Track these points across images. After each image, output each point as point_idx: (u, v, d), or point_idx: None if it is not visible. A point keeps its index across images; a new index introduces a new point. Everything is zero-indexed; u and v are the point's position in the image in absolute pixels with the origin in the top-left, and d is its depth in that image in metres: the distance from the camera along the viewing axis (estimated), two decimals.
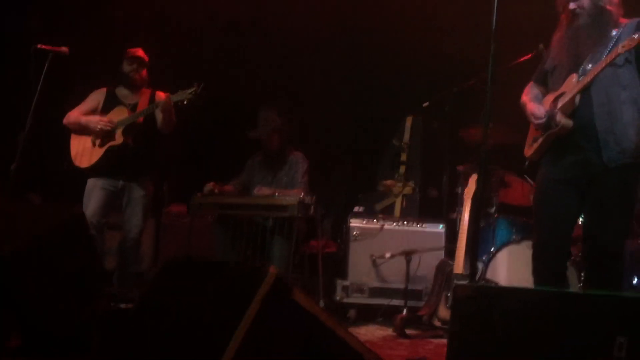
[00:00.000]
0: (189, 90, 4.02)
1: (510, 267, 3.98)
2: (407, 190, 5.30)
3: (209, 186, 4.49)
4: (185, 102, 4.04)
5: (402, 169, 5.43)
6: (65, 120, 4.33)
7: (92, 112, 4.32)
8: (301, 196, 4.17)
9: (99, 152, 4.20)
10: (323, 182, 5.79)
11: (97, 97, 4.37)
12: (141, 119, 4.23)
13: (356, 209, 4.83)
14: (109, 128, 4.18)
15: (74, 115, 4.31)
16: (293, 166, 4.64)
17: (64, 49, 3.97)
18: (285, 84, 5.89)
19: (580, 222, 3.21)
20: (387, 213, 5.15)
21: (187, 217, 5.45)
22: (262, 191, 4.42)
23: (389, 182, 5.35)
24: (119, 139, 4.18)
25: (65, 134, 4.34)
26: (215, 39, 5.88)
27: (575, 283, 3.71)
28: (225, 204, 4.39)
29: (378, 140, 5.89)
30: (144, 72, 4.34)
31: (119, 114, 4.24)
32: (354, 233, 4.59)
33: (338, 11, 5.54)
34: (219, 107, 5.94)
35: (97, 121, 4.21)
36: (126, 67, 4.30)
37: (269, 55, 5.90)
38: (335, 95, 6.02)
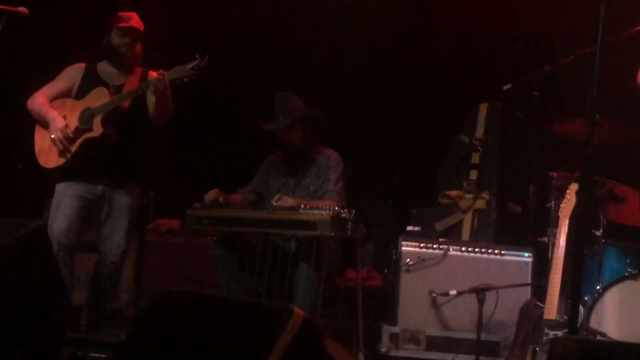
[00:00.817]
0: (190, 65, 4.05)
1: (624, 312, 3.94)
2: (480, 204, 5.24)
3: (211, 195, 4.50)
4: (185, 80, 4.07)
5: (473, 174, 5.36)
6: (29, 104, 4.39)
7: (65, 94, 4.38)
8: (335, 209, 4.14)
9: (72, 147, 4.25)
10: (363, 192, 5.83)
11: (72, 75, 4.42)
12: (127, 103, 4.26)
13: (409, 228, 4.93)
14: (62, 144, 4.21)
15: (40, 100, 4.36)
16: (323, 169, 4.66)
17: (22, 9, 4.00)
18: (311, 67, 5.99)
19: None
20: (451, 235, 5.13)
21: (180, 236, 5.52)
22: (282, 202, 4.42)
23: (454, 192, 5.30)
24: (97, 129, 4.21)
25: (28, 121, 4.39)
26: (230, 6, 5.97)
27: None
28: (232, 219, 4.39)
29: (438, 136, 5.91)
30: (139, 47, 4.39)
31: (98, 98, 4.28)
32: (407, 261, 4.57)
33: None
34: (226, 92, 6.05)
35: (56, 126, 4.24)
36: (116, 40, 4.35)
37: (292, 29, 5.99)
38: (376, 77, 6.09)
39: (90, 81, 4.35)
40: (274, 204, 4.42)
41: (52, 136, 4.26)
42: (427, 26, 6.04)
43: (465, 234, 5.18)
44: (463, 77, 5.87)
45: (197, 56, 4.04)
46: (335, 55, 6.12)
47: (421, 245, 4.60)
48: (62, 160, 4.26)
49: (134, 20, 4.36)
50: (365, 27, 6.04)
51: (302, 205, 4.30)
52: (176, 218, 5.56)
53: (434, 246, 4.59)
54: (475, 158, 5.41)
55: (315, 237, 4.16)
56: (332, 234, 4.10)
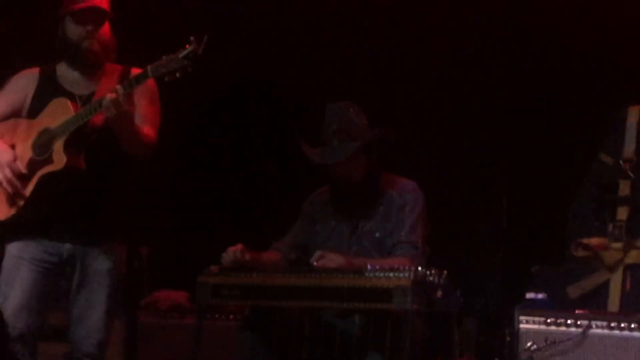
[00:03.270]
0: (182, 53, 4.05)
1: None
2: (634, 256, 5.14)
3: (232, 253, 4.54)
4: (178, 75, 4.07)
5: (622, 213, 5.25)
6: None
7: (15, 113, 4.45)
8: (417, 270, 4.14)
9: (24, 190, 4.28)
10: (456, 242, 5.90)
11: (22, 86, 4.50)
12: (98, 119, 4.27)
13: (529, 296, 4.83)
14: (11, 186, 4.25)
15: None
16: (395, 207, 4.71)
17: None
18: (377, 70, 6.28)
19: None
20: (593, 304, 5.04)
21: (189, 315, 5.56)
22: (325, 261, 4.46)
23: (594, 241, 5.23)
24: (58, 160, 4.24)
25: None
26: None
27: None
28: (264, 288, 4.42)
29: (567, 157, 6.00)
30: (105, 35, 4.43)
31: (58, 114, 4.31)
32: (528, 345, 4.50)
33: None
34: (251, 102, 6.16)
35: (0, 160, 4.28)
36: (71, 31, 4.40)
37: (349, 21, 6.24)
38: (467, 77, 6.31)
39: (47, 91, 4.41)
40: (314, 264, 4.45)
41: None
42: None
43: (614, 302, 5.09)
44: (600, 70, 5.99)
45: (191, 39, 4.04)
46: (410, 55, 6.37)
47: (548, 320, 4.53)
48: (12, 211, 4.29)
49: None
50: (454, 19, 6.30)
51: (369, 266, 4.26)
52: (182, 288, 5.61)
53: (568, 321, 4.52)
54: (625, 188, 5.31)
55: (391, 313, 4.17)
56: (415, 306, 4.09)
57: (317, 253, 4.52)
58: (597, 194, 5.45)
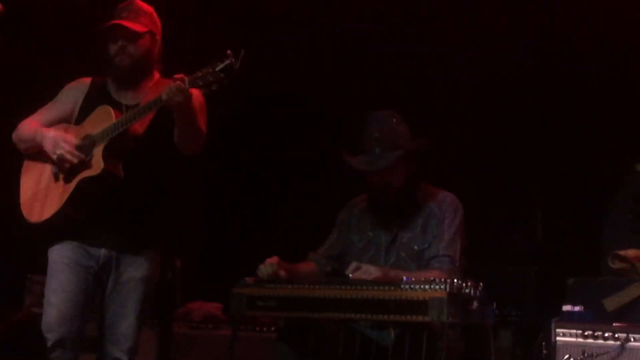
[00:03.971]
0: (219, 66, 4.08)
1: None
2: None
3: (268, 265, 4.53)
4: (214, 88, 4.11)
5: None
6: (15, 134, 4.53)
7: (65, 120, 4.51)
8: (454, 282, 4.12)
9: (64, 194, 4.33)
10: (492, 254, 5.91)
11: (73, 95, 4.56)
12: (139, 127, 4.33)
13: (566, 308, 4.76)
14: (73, 159, 4.30)
15: (29, 127, 4.50)
16: (433, 220, 4.70)
17: None
18: (414, 83, 6.28)
19: None
20: (631, 316, 4.94)
21: (223, 326, 5.56)
22: (360, 273, 4.43)
23: (631, 252, 5.21)
24: (96, 165, 4.28)
25: (14, 160, 4.55)
26: None
27: None
28: (300, 300, 4.40)
29: (602, 167, 6.00)
30: (140, 50, 4.45)
31: (100, 120, 4.37)
32: (565, 358, 4.50)
33: None
34: (289, 113, 6.16)
35: (56, 140, 4.35)
36: (108, 47, 4.46)
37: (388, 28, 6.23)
38: (508, 87, 6.31)
39: (96, 100, 4.47)
40: (350, 276, 4.42)
41: (57, 153, 4.33)
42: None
43: None
44: (635, 82, 5.96)
45: (228, 53, 4.07)
46: (448, 69, 6.43)
47: (586, 333, 4.53)
48: (51, 212, 4.33)
49: (128, 10, 4.44)
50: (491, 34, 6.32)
51: (404, 278, 4.25)
52: (216, 300, 5.61)
53: (606, 334, 4.51)
54: None
55: (426, 325, 4.13)
56: (451, 319, 4.06)
57: (353, 264, 4.49)
58: (633, 205, 5.44)
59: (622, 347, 4.44)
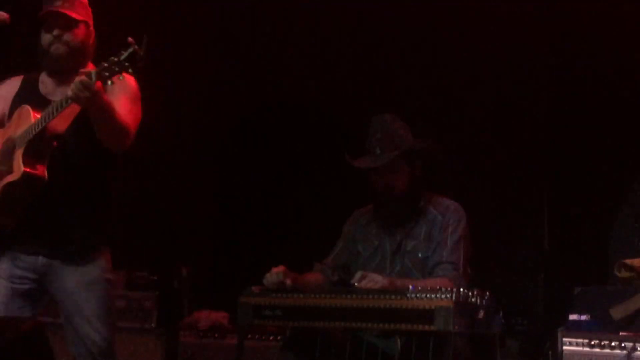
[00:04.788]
0: (123, 55, 3.94)
1: None
2: None
3: (274, 274, 4.52)
4: (120, 78, 3.98)
5: None
6: None
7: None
8: (460, 291, 4.12)
9: None
10: (498, 263, 5.92)
11: (2, 96, 4.44)
12: (59, 125, 4.19)
13: (572, 317, 4.81)
14: None
15: None
16: (437, 228, 4.69)
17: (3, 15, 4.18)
18: (417, 90, 6.23)
19: None
20: (638, 326, 4.88)
21: (230, 335, 5.56)
22: (367, 282, 4.42)
23: (637, 261, 5.17)
24: (17, 170, 4.14)
25: None
26: None
27: None
28: (306, 309, 4.39)
29: (609, 178, 6.00)
30: (76, 39, 4.36)
31: (20, 123, 4.25)
32: None
33: None
34: (295, 116, 6.18)
35: None
36: (42, 37, 4.35)
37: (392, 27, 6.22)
38: (515, 94, 6.30)
39: (24, 98, 4.34)
40: (356, 285, 4.41)
41: None
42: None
43: None
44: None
45: (130, 40, 3.92)
46: (453, 76, 6.41)
47: (592, 342, 4.53)
48: None
49: (62, 0, 4.32)
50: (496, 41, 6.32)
51: (410, 287, 4.25)
52: (223, 309, 5.61)
53: (613, 343, 4.51)
54: None
55: (433, 334, 4.11)
56: (457, 328, 4.05)
57: (359, 274, 4.49)
58: (639, 214, 5.45)
59: (629, 356, 4.44)
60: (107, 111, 4.10)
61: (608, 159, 6.04)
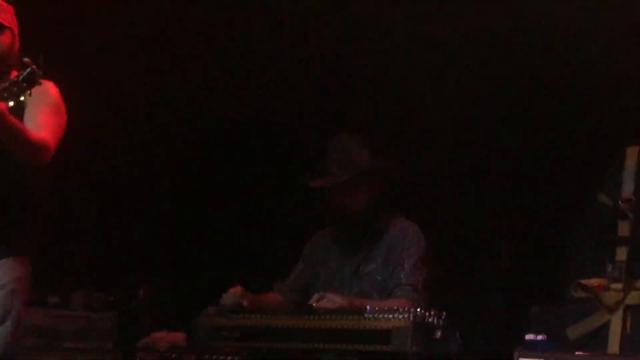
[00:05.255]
0: (22, 75, 3.94)
1: None
2: (634, 297, 5.06)
3: (232, 295, 4.59)
4: (22, 99, 3.97)
5: (622, 253, 5.19)
6: None
7: None
8: (417, 312, 4.16)
9: None
10: (455, 283, 5.88)
11: None
12: None
13: (529, 337, 4.76)
14: None
15: None
16: (396, 249, 4.72)
17: None
18: (380, 109, 6.22)
19: None
20: (593, 345, 4.96)
21: (187, 355, 5.51)
22: (325, 302, 4.46)
23: (594, 282, 5.17)
24: None
25: None
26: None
27: None
28: (264, 330, 4.43)
29: (565, 197, 5.95)
30: (5, 44, 4.40)
31: None
32: None
33: None
34: (250, 143, 6.16)
35: None
36: None
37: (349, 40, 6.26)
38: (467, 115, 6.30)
39: None
40: (314, 305, 4.45)
41: None
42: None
43: (614, 344, 5.00)
44: (597, 108, 5.96)
45: (26, 61, 3.94)
46: (414, 95, 6.37)
47: None
48: None
49: None
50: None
51: (368, 307, 4.26)
52: (181, 329, 5.57)
53: None
54: (624, 229, 5.24)
55: (390, 355, 4.12)
56: (415, 348, 4.07)
57: (316, 295, 4.50)
58: (596, 234, 5.43)
59: None
60: (13, 130, 4.10)
61: (565, 181, 6.05)
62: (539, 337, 4.80)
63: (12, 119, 4.09)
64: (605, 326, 5.07)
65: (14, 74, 4.21)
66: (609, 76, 5.98)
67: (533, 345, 4.67)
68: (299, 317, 4.39)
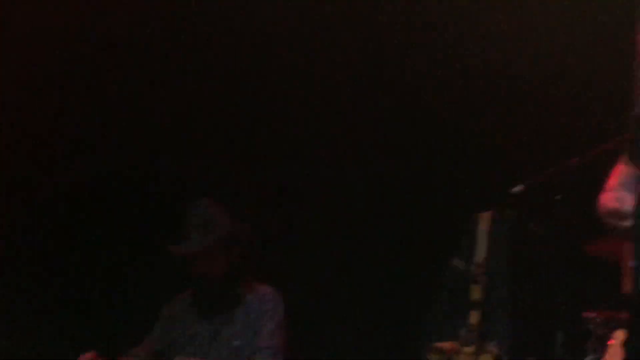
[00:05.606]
0: None
1: None
2: None
3: None
4: None
5: (474, 317, 5.34)
6: None
7: None
8: None
9: None
10: (312, 345, 5.81)
11: None
12: None
13: None
14: None
15: None
16: (253, 314, 4.69)
17: None
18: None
19: None
20: None
21: None
22: None
23: (447, 345, 5.29)
24: None
25: None
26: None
27: None
28: None
29: (420, 263, 6.01)
30: None
31: None
32: None
33: None
34: (111, 201, 6.07)
35: None
36: None
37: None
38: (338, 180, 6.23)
39: None
40: None
41: None
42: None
43: None
44: (451, 175, 6.03)
45: None
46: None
47: None
48: None
49: None
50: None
51: None
52: None
53: None
54: (476, 293, 5.38)
55: None
56: None
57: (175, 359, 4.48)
58: (450, 298, 5.56)
59: None
60: None
61: (417, 245, 6.05)
62: None
63: None
64: None
65: None
66: (458, 142, 6.05)
67: None
68: None
